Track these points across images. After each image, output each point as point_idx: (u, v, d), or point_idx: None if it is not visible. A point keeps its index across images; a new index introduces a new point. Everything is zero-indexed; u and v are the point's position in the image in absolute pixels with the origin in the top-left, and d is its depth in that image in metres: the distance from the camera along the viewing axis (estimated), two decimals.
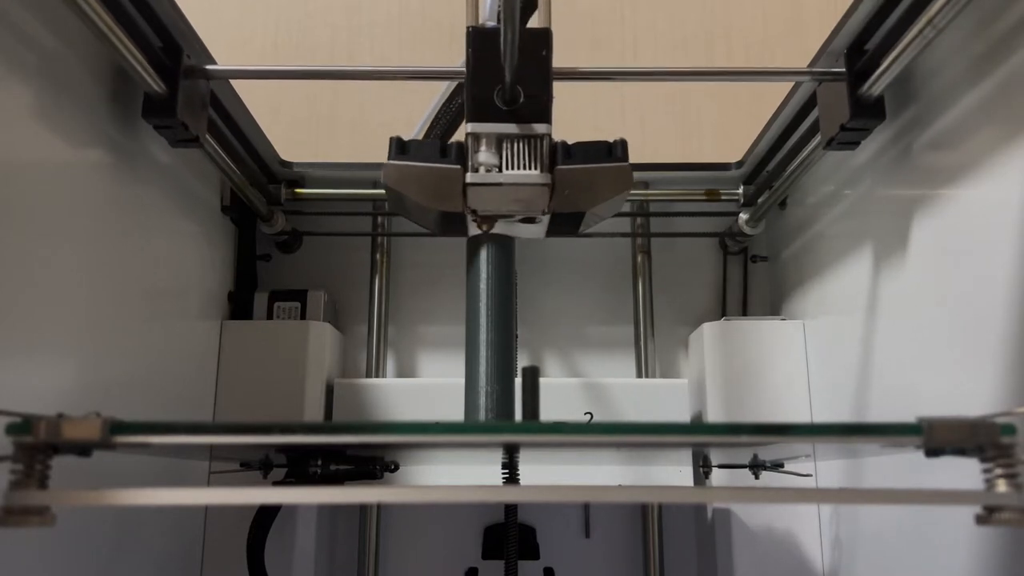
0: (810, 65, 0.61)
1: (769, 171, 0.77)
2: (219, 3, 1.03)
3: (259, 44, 1.04)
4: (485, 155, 0.49)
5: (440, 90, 0.69)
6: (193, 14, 0.56)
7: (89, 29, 0.47)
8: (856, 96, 0.57)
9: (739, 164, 0.80)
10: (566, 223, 0.53)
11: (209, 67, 0.59)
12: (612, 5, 1.06)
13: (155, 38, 0.55)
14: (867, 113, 0.57)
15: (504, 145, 0.50)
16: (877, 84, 0.55)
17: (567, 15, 1.04)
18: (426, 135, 0.69)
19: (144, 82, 0.54)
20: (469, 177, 0.49)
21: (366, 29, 1.05)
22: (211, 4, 1.02)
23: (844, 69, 0.57)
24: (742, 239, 0.86)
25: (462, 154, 0.50)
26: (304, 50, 1.04)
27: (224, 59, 0.61)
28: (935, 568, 0.52)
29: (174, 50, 0.56)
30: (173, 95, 0.56)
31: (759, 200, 0.78)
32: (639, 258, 0.86)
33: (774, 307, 0.86)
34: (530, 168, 0.49)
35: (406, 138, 0.51)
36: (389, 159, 0.50)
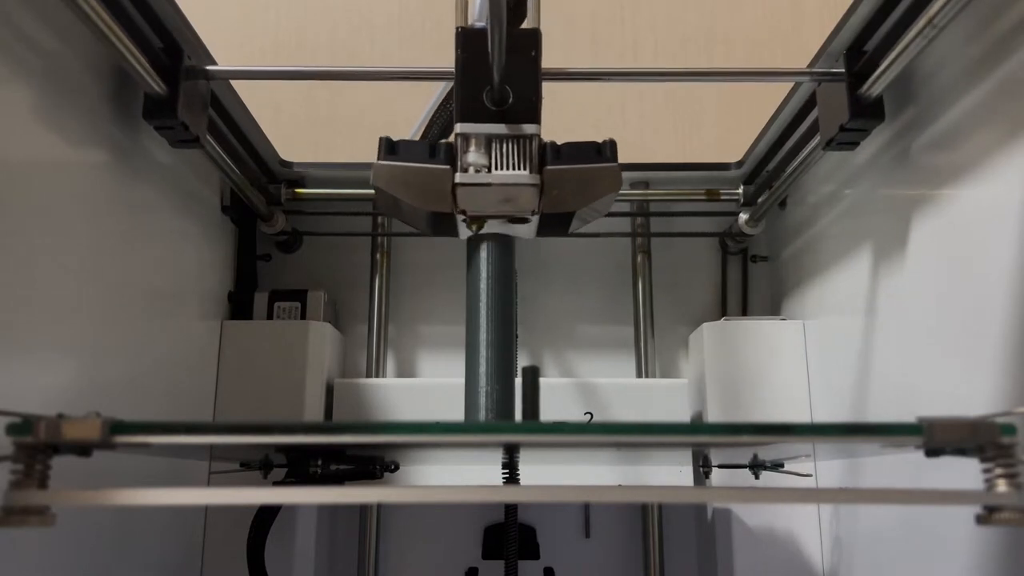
0: (810, 66, 0.61)
1: (769, 171, 0.77)
2: (219, 2, 1.03)
3: (259, 43, 1.04)
4: (474, 155, 0.49)
5: (436, 91, 0.69)
6: (193, 13, 0.56)
7: (90, 30, 0.47)
8: (855, 97, 0.57)
9: (739, 164, 0.80)
10: (556, 223, 0.53)
11: (209, 68, 0.60)
12: (612, 5, 1.06)
13: (156, 39, 0.55)
14: (866, 114, 0.57)
15: (493, 145, 0.49)
16: (876, 85, 0.55)
17: (567, 15, 1.04)
18: (423, 136, 0.69)
19: (145, 83, 0.54)
20: (458, 177, 0.49)
21: (366, 28, 1.05)
22: (211, 3, 1.02)
23: (843, 70, 0.57)
24: (742, 239, 0.86)
25: (451, 154, 0.50)
26: (304, 50, 1.04)
27: (224, 58, 0.61)
28: (935, 568, 0.52)
29: (175, 51, 0.56)
30: (174, 96, 0.56)
31: (759, 200, 0.78)
32: (639, 258, 0.86)
33: (774, 307, 0.86)
34: (519, 168, 0.49)
35: (404, 138, 0.51)
36: (378, 159, 0.50)
